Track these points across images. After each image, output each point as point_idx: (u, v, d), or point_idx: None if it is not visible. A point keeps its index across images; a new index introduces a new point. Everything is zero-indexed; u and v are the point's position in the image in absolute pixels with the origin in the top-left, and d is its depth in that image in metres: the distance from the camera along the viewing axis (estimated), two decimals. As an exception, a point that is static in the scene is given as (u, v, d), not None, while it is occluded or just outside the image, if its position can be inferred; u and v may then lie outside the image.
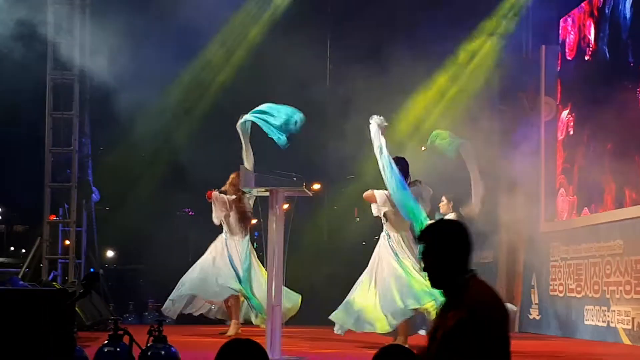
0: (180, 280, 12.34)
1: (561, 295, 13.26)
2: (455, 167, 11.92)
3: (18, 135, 14.86)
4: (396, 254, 10.38)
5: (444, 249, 4.27)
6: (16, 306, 6.19)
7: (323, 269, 15.84)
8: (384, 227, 10.63)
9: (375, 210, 10.65)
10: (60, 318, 6.00)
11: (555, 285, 13.45)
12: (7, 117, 14.05)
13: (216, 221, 12.20)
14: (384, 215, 10.53)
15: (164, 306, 12.22)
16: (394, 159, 10.31)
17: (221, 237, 12.29)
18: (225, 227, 12.21)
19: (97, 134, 15.73)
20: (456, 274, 4.26)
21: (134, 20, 13.64)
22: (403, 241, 10.45)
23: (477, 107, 15.16)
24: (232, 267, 11.98)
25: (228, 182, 12.28)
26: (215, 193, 12.18)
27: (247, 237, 12.25)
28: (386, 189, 10.41)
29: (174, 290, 12.29)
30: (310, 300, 14.40)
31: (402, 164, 10.40)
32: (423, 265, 4.33)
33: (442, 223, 4.56)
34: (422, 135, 15.54)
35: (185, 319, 14.44)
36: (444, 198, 12.47)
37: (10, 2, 13.71)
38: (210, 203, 12.25)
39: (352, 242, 16.40)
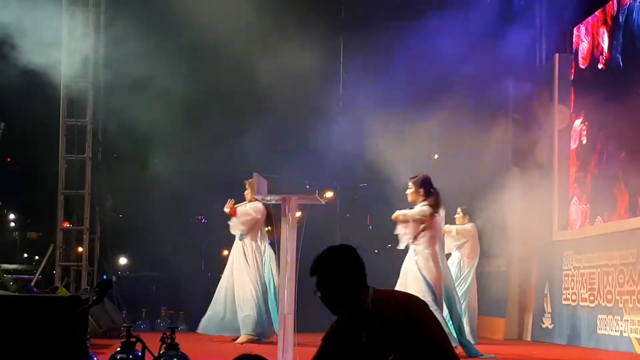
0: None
1: (574, 304, 13.22)
2: (468, 177, 11.92)
3: (32, 142, 14.92)
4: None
5: (333, 278, 4.35)
6: (29, 313, 6.20)
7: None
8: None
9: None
10: (73, 325, 6.02)
11: (568, 294, 13.41)
12: (22, 125, 14.12)
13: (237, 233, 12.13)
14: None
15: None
16: None
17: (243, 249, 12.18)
18: (250, 237, 12.13)
19: (111, 141, 15.78)
20: (352, 296, 4.33)
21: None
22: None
23: (490, 116, 15.17)
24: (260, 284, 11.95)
25: (252, 191, 12.00)
26: (241, 209, 12.09)
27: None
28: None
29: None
30: (322, 308, 14.41)
31: None
32: (320, 296, 4.38)
33: (326, 253, 4.52)
34: (438, 144, 15.56)
35: (198, 326, 14.46)
36: (459, 210, 12.46)
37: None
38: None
39: (365, 250, 16.39)
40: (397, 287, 10.27)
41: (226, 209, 12.07)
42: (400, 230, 10.32)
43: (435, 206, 10.15)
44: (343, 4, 16.87)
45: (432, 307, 9.77)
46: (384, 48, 14.87)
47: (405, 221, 10.18)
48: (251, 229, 12.03)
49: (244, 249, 12.07)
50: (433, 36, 15.00)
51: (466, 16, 14.78)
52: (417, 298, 4.41)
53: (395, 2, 15.77)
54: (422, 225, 10.08)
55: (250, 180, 11.90)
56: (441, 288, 10.09)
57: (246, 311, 11.84)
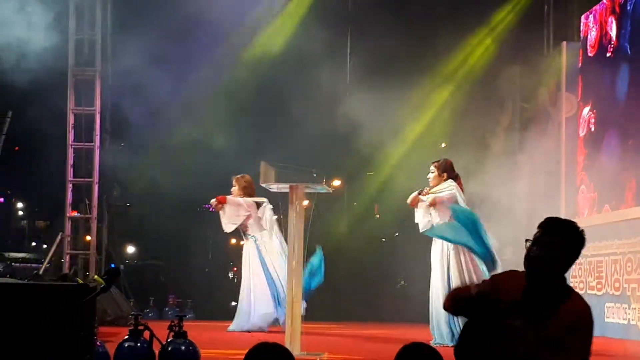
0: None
1: (582, 292, 13.22)
2: (476, 165, 11.90)
3: (40, 131, 14.93)
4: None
5: (572, 250, 4.37)
6: (37, 301, 6.22)
7: (342, 265, 15.86)
8: None
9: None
10: (80, 313, 6.03)
11: (576, 282, 13.41)
12: (29, 113, 14.12)
13: (231, 228, 11.97)
14: None
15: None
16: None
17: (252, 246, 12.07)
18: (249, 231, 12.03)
19: (118, 130, 15.80)
20: (561, 277, 4.37)
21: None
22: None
23: (498, 104, 15.16)
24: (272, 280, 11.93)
25: (239, 187, 12.02)
26: (231, 197, 12.01)
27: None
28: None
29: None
30: (329, 296, 14.43)
31: None
32: (538, 252, 4.34)
33: (576, 227, 4.52)
34: (445, 131, 15.56)
35: (206, 315, 14.51)
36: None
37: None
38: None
39: (372, 239, 16.42)
40: (438, 280, 10.12)
41: (213, 201, 11.98)
42: (420, 216, 10.16)
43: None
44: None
45: None
46: (390, 36, 14.85)
47: (438, 203, 9.99)
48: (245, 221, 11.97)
49: (257, 245, 11.99)
50: (440, 25, 14.99)
51: (474, 4, 14.78)
52: (590, 312, 4.42)
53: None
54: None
55: (237, 176, 11.94)
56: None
57: (265, 309, 11.86)
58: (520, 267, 4.50)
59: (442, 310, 9.28)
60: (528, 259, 4.38)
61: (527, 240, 4.41)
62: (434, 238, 10.09)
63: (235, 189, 11.99)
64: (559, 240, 4.35)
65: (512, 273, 4.49)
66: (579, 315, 4.29)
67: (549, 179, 13.93)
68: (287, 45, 15.56)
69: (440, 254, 10.00)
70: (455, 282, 9.78)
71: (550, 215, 4.48)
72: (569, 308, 4.28)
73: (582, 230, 4.44)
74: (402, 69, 14.72)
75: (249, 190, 11.94)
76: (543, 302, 4.30)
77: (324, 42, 14.71)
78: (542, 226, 4.39)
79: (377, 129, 14.37)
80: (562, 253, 4.35)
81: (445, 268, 9.96)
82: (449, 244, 9.91)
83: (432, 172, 10.17)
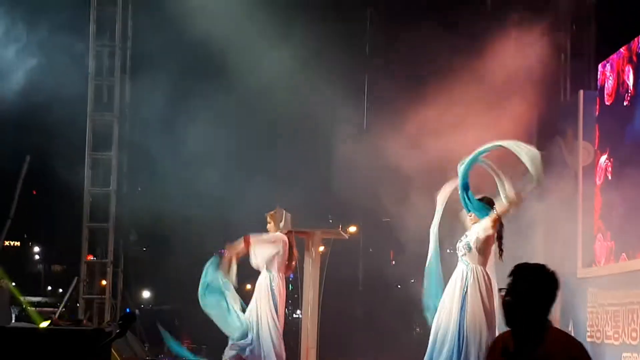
0: None
1: (598, 341, 13.11)
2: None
3: (57, 175, 15.02)
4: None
5: (546, 293, 4.43)
6: (52, 345, 6.22)
7: (358, 311, 15.79)
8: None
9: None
10: (96, 357, 6.03)
11: (593, 331, 13.31)
12: (47, 157, 14.23)
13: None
14: None
15: None
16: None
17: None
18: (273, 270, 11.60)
19: (135, 174, 15.87)
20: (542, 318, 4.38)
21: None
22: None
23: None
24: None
25: (275, 223, 11.58)
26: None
27: None
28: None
29: None
30: (344, 343, 14.37)
31: None
32: (511, 300, 4.36)
33: (544, 271, 4.58)
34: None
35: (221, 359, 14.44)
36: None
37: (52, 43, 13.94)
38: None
39: (388, 285, 16.38)
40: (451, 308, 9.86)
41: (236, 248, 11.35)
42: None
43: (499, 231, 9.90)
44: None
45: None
46: (404, 88, 14.91)
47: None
48: (272, 259, 11.60)
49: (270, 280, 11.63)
50: (456, 72, 15.03)
51: (488, 51, 14.82)
52: (581, 344, 4.48)
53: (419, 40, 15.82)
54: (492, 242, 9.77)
55: (272, 212, 11.46)
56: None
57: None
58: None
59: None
60: (503, 307, 4.40)
61: (500, 290, 4.42)
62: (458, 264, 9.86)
63: (271, 225, 11.65)
64: (529, 286, 4.35)
65: (501, 335, 4.53)
66: (565, 343, 4.30)
67: (565, 227, 13.87)
68: (305, 89, 15.60)
69: (461, 279, 9.78)
70: (470, 308, 9.59)
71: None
72: (552, 340, 4.30)
73: (553, 272, 4.46)
74: (419, 117, 14.74)
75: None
76: (528, 346, 4.30)
77: (340, 87, 14.77)
78: (512, 274, 4.42)
79: (394, 176, 14.37)
80: (534, 297, 4.34)
81: (462, 293, 9.76)
82: (469, 272, 9.69)
83: (470, 216, 9.95)
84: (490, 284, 9.66)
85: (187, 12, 14.29)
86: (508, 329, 4.45)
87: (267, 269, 10.73)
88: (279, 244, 10.85)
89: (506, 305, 4.37)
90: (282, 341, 11.11)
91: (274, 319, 10.94)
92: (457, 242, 9.86)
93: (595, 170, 13.83)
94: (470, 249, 9.65)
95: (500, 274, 9.97)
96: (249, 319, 11.03)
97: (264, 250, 10.87)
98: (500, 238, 9.84)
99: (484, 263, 9.72)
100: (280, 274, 10.82)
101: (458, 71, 14.76)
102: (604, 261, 13.43)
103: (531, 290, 4.35)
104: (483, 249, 9.68)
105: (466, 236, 9.75)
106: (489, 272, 9.75)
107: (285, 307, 11.83)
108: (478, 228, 9.70)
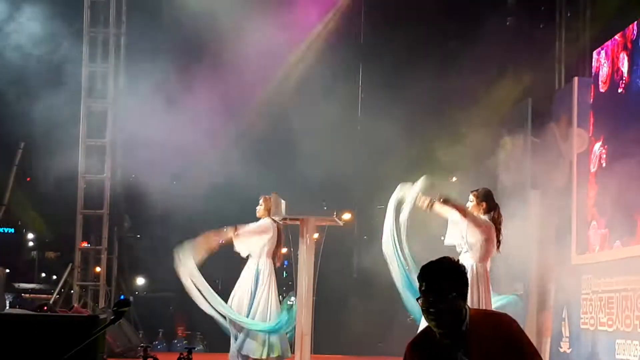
0: None
1: (592, 328, 13.14)
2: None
3: (51, 162, 15.00)
4: None
5: (455, 292, 4.29)
6: (47, 332, 6.21)
7: (352, 299, 15.80)
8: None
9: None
10: (90, 344, 6.02)
11: (587, 318, 13.33)
12: (40, 144, 14.20)
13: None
14: None
15: None
16: None
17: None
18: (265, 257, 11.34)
19: (129, 161, 15.84)
20: (461, 314, 4.31)
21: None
22: None
23: (509, 139, 15.16)
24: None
25: (265, 208, 10.91)
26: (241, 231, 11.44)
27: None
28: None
29: None
30: (339, 329, 14.39)
31: None
32: (434, 310, 4.26)
33: (448, 265, 4.44)
34: (456, 166, 15.56)
35: (215, 347, 14.48)
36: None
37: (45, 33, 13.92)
38: None
39: (382, 273, 16.36)
40: None
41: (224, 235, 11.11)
42: (453, 233, 9.76)
43: (496, 222, 9.89)
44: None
45: None
46: (402, 73, 14.90)
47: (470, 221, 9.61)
48: (264, 247, 11.38)
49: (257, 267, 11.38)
50: (451, 59, 15.03)
51: (486, 39, 14.81)
52: (504, 314, 4.40)
53: (414, 33, 15.81)
54: (484, 236, 9.75)
55: (267, 196, 11.23)
56: None
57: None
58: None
59: None
60: (424, 312, 4.33)
61: (417, 299, 4.38)
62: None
63: (261, 208, 11.02)
64: (435, 283, 4.29)
65: (419, 335, 4.47)
66: (495, 326, 4.27)
67: (560, 215, 13.89)
68: (300, 79, 15.60)
69: None
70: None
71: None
72: (480, 327, 4.26)
73: (454, 261, 4.41)
74: (414, 103, 14.74)
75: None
76: (453, 342, 4.27)
77: (336, 76, 14.76)
78: (418, 277, 4.39)
79: (388, 162, 14.38)
80: (443, 292, 4.26)
81: None
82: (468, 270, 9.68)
83: (471, 202, 9.93)
84: (488, 280, 9.69)
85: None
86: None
87: (260, 256, 10.62)
88: (269, 232, 10.72)
89: (423, 306, 4.32)
90: None
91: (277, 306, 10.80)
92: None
93: (590, 157, 13.83)
94: (471, 247, 9.68)
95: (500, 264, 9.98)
96: (260, 309, 10.79)
97: (256, 239, 10.73)
98: (498, 231, 9.84)
99: (484, 259, 9.73)
100: (269, 260, 10.71)
101: (452, 57, 14.75)
102: (598, 248, 13.44)
103: (443, 286, 4.29)
104: (483, 245, 9.69)
105: (464, 236, 9.78)
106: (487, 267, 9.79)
107: (280, 294, 11.79)
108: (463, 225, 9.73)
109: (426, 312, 4.28)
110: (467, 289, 4.33)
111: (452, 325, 4.26)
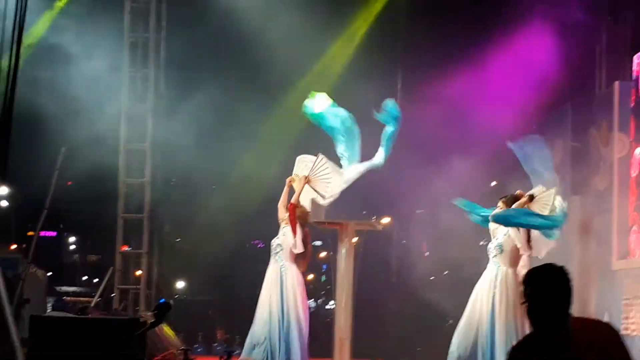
0: None
1: (634, 334, 13.05)
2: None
3: (92, 166, 15.13)
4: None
5: (558, 291, 4.37)
6: (88, 334, 6.27)
7: (391, 303, 15.79)
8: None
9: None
10: (131, 347, 6.07)
11: (628, 323, 13.24)
12: (83, 149, 14.33)
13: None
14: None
15: None
16: None
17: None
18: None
19: (169, 164, 15.93)
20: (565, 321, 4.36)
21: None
22: None
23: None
24: None
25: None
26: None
27: None
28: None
29: None
30: (378, 333, 14.38)
31: None
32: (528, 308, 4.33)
33: (555, 271, 4.50)
34: (495, 170, 15.50)
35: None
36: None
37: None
38: None
39: (421, 277, 16.35)
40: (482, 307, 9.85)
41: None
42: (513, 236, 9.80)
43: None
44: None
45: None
46: (441, 78, 14.87)
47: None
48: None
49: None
50: (490, 64, 14.98)
51: (524, 43, 14.75)
52: (607, 323, 4.48)
53: (448, 32, 15.77)
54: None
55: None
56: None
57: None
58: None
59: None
60: (528, 317, 4.39)
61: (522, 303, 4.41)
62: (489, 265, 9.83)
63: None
64: (540, 289, 4.33)
65: (523, 340, 4.50)
66: (600, 333, 4.29)
67: (600, 220, 13.80)
68: (337, 81, 15.61)
69: (490, 281, 9.76)
70: (500, 313, 9.58)
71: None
72: (584, 333, 4.28)
73: (561, 267, 4.42)
74: (452, 107, 14.71)
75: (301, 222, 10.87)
76: (557, 348, 4.29)
77: (374, 76, 14.76)
78: (523, 282, 4.40)
79: (427, 167, 14.36)
80: (548, 298, 4.32)
81: (491, 296, 9.76)
82: (499, 273, 9.70)
83: (500, 207, 9.96)
84: (518, 286, 9.66)
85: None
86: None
87: (289, 260, 10.05)
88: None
89: (528, 312, 4.36)
90: None
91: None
92: (487, 243, 9.90)
93: (631, 162, 13.74)
94: (502, 250, 9.69)
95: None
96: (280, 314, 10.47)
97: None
98: (528, 233, 9.86)
99: (515, 264, 9.74)
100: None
101: (493, 62, 14.70)
102: (639, 253, 13.35)
103: (541, 293, 4.32)
104: (514, 249, 9.72)
105: (497, 238, 9.78)
106: (519, 273, 9.79)
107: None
108: (509, 229, 9.73)
109: (531, 317, 4.33)
110: (570, 295, 4.37)
111: (555, 331, 4.30)
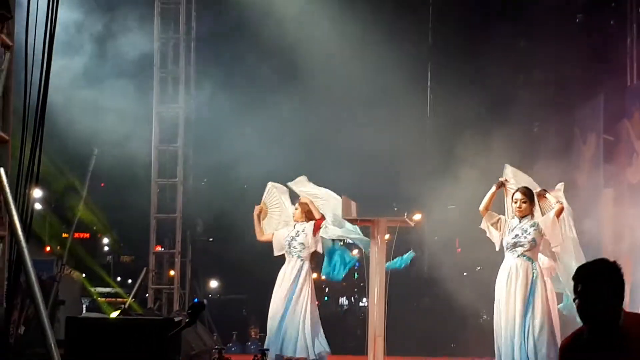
0: None
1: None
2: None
3: (125, 167, 15.21)
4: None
5: (610, 287, 4.33)
6: (123, 334, 6.31)
7: (424, 300, 15.75)
8: None
9: None
10: (166, 347, 6.10)
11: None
12: (115, 150, 14.40)
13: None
14: None
15: None
16: None
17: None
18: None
19: (201, 165, 15.99)
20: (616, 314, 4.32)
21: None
22: None
23: (582, 136, 15.01)
24: None
25: (302, 211, 10.92)
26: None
27: None
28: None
29: None
30: (412, 330, 14.36)
31: None
32: (579, 304, 4.31)
33: (607, 266, 4.48)
34: (526, 164, 15.43)
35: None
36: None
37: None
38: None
39: (454, 273, 16.30)
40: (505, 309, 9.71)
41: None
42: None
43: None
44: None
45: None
46: (472, 73, 14.84)
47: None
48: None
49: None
50: (521, 56, 14.92)
51: (558, 37, 14.69)
52: None
53: (482, 25, 15.72)
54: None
55: (302, 201, 11.00)
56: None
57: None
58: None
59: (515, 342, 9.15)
60: (578, 313, 4.36)
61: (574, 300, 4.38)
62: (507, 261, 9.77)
63: (297, 212, 10.98)
64: (591, 285, 4.29)
65: (573, 337, 4.48)
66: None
67: (633, 212, 13.72)
68: (371, 77, 15.59)
69: (524, 276, 9.65)
70: (539, 313, 9.49)
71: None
72: (636, 330, 4.23)
73: (614, 262, 4.39)
74: (484, 103, 14.65)
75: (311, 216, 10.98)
76: (609, 345, 4.26)
77: (406, 72, 14.73)
78: (574, 278, 4.37)
79: (457, 163, 14.32)
80: (600, 294, 4.28)
81: (528, 292, 9.63)
82: (534, 269, 9.60)
83: (524, 202, 9.77)
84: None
85: None
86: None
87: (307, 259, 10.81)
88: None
89: (578, 310, 4.32)
90: None
91: None
92: (509, 237, 9.71)
93: (664, 154, 13.65)
94: (535, 244, 9.59)
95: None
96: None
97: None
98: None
99: (537, 257, 9.69)
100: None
101: (523, 55, 14.64)
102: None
103: (594, 289, 4.29)
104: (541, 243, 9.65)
105: (526, 231, 9.63)
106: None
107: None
108: (543, 222, 9.62)
109: (582, 313, 4.30)
110: (623, 291, 4.33)
111: (607, 328, 4.27)
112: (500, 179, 9.91)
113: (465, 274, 16.60)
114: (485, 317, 16.52)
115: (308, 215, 10.82)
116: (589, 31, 15.04)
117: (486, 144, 14.97)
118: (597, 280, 4.30)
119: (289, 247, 10.80)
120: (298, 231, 10.80)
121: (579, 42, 14.97)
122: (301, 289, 10.54)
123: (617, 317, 4.27)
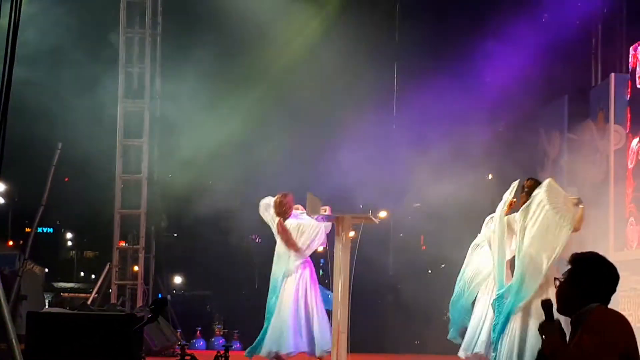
0: None
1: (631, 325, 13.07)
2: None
3: (89, 162, 15.12)
4: None
5: (588, 281, 4.57)
6: (85, 330, 6.27)
7: (388, 296, 15.78)
8: None
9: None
10: (127, 342, 6.08)
11: (625, 315, 13.26)
12: (79, 145, 14.32)
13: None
14: None
15: None
16: None
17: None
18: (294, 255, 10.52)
19: (166, 161, 15.93)
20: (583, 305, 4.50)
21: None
22: None
23: (546, 136, 15.09)
24: None
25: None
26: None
27: None
28: None
29: None
30: (375, 328, 14.38)
31: None
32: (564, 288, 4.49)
33: (601, 261, 4.73)
34: (492, 164, 15.51)
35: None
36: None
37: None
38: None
39: (419, 270, 16.36)
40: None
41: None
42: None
43: None
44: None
45: None
46: (436, 70, 14.88)
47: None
48: None
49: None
50: (487, 56, 14.98)
51: (521, 36, 14.75)
52: (614, 313, 4.67)
53: (449, 26, 15.77)
54: None
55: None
56: None
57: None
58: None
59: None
60: (560, 296, 4.48)
61: (555, 279, 4.50)
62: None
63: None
64: (591, 279, 4.56)
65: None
66: (592, 317, 4.43)
67: (597, 211, 13.81)
68: (335, 75, 15.61)
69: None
70: None
71: (600, 249, 4.58)
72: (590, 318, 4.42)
73: (611, 263, 4.53)
74: (448, 102, 14.70)
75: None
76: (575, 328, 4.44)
77: (371, 77, 14.76)
78: (571, 264, 4.48)
79: (423, 162, 14.36)
80: (596, 289, 4.55)
81: None
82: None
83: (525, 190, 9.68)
84: None
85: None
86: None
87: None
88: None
89: (565, 295, 4.42)
90: None
91: None
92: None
93: (627, 153, 13.75)
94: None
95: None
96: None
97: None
98: None
99: None
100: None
101: (486, 55, 14.70)
102: (635, 245, 13.37)
103: (594, 283, 4.40)
104: None
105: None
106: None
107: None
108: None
109: (561, 294, 4.56)
110: (598, 286, 4.61)
111: (567, 312, 4.50)
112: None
113: (430, 271, 16.67)
114: (448, 314, 16.58)
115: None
116: (554, 31, 15.13)
117: (450, 142, 15.04)
118: (594, 275, 4.60)
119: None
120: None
121: (543, 42, 15.06)
122: (307, 286, 9.94)
123: (582, 305, 4.32)
